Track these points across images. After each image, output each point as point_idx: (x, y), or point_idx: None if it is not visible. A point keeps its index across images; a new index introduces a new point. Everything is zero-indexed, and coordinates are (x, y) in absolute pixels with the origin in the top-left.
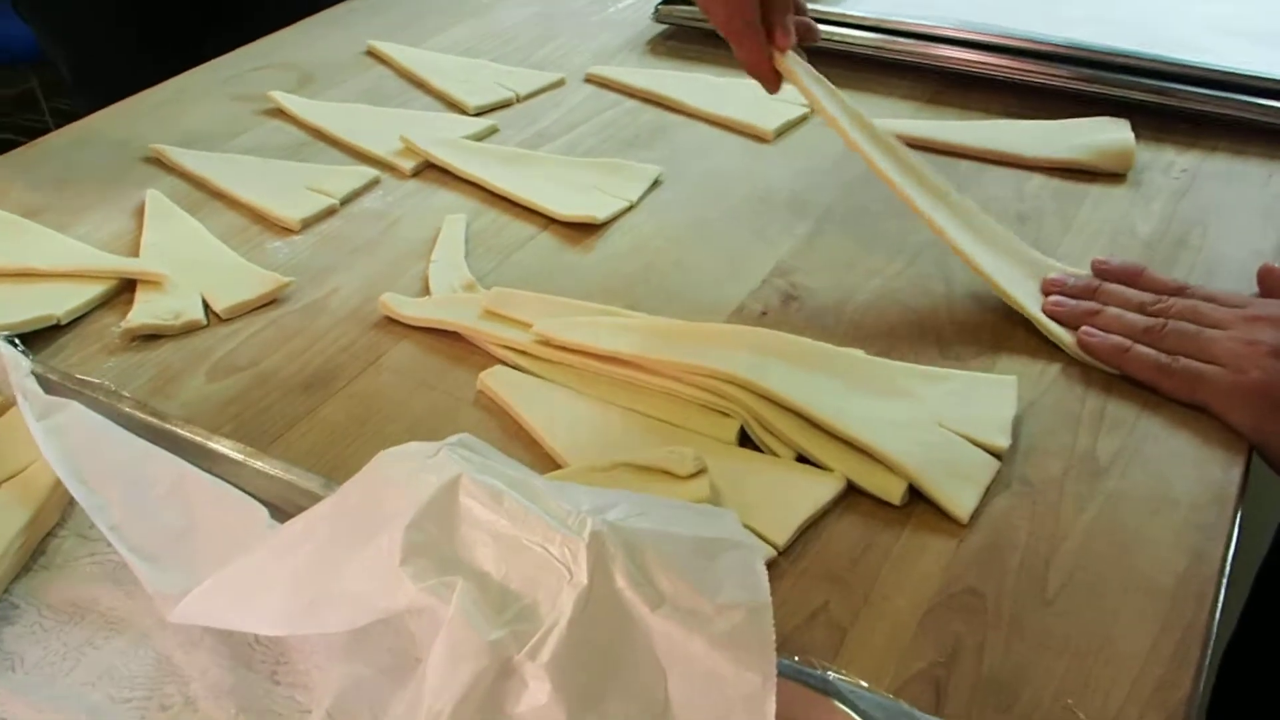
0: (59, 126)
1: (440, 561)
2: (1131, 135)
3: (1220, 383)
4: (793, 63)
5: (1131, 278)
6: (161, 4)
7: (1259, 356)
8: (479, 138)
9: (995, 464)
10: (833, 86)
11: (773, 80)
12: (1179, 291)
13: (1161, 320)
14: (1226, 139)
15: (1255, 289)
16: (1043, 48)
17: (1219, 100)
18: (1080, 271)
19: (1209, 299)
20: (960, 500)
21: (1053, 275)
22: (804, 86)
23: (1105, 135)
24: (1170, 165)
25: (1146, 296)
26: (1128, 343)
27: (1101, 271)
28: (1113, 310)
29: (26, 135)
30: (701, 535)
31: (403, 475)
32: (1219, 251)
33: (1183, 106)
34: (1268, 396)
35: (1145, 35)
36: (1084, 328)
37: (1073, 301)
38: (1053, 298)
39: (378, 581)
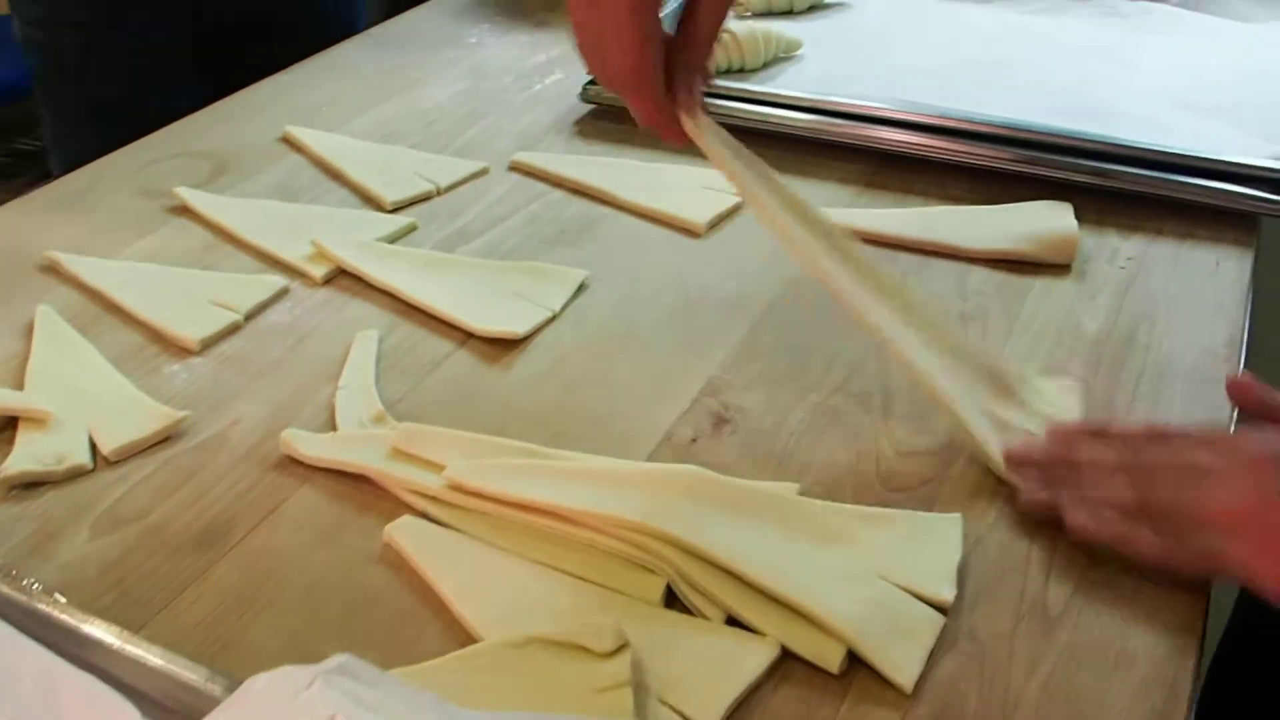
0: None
1: None
2: (1074, 222)
3: (1245, 550)
4: (703, 126)
5: (1098, 435)
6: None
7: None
8: (396, 238)
9: (940, 620)
10: (757, 160)
11: (678, 137)
12: (1151, 438)
13: (1149, 493)
14: (1172, 221)
15: (1205, 388)
16: (982, 129)
17: (1163, 182)
18: (1034, 431)
19: (1182, 436)
20: (904, 667)
21: (1016, 445)
22: (717, 156)
23: (1047, 223)
24: (1115, 252)
25: (1125, 455)
26: (1125, 528)
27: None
28: (1092, 480)
29: None
30: None
31: (272, 712)
32: (1169, 349)
33: (1126, 189)
34: None
35: (1087, 105)
36: (1074, 518)
37: (1038, 483)
38: (1025, 482)
39: None
